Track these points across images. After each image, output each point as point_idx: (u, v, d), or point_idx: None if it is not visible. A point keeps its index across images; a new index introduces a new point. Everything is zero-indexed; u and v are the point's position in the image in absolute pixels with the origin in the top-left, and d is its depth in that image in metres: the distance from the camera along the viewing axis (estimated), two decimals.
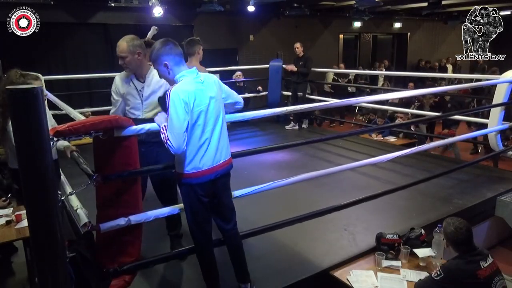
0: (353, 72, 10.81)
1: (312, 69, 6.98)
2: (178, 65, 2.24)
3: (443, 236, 2.47)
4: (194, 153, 2.23)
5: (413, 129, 7.25)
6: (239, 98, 2.56)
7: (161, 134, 2.17)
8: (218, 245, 2.57)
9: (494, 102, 4.57)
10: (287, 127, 7.19)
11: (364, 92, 10.33)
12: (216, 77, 2.39)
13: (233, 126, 7.29)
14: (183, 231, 3.04)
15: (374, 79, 11.42)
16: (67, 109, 3.52)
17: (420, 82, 9.38)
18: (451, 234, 2.40)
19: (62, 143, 2.79)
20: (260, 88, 7.70)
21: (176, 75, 2.23)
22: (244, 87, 7.75)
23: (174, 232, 3.07)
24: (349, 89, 10.61)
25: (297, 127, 7.21)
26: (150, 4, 7.24)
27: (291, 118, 7.30)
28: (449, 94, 7.48)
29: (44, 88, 2.69)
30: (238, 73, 7.82)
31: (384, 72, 10.97)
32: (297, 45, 7.03)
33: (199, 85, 2.22)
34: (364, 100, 5.83)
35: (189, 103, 2.14)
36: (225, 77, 7.83)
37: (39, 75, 2.57)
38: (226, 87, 2.48)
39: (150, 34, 4.50)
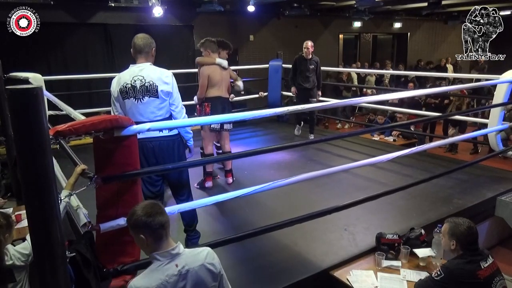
0: (360, 71, 10.77)
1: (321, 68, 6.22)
2: None
3: (451, 236, 2.37)
4: None
5: (412, 129, 7.25)
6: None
7: None
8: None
9: (494, 102, 4.56)
10: (296, 133, 6.50)
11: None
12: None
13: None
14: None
15: (378, 79, 11.38)
16: (67, 109, 3.52)
17: (418, 83, 9.37)
18: (462, 234, 2.33)
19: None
20: (261, 93, 7.32)
21: None
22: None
23: (191, 228, 3.10)
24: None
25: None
26: (150, 4, 7.23)
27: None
28: (451, 94, 7.47)
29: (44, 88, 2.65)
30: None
31: (378, 70, 10.93)
32: (308, 44, 5.88)
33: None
34: (364, 100, 5.83)
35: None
36: None
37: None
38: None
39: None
